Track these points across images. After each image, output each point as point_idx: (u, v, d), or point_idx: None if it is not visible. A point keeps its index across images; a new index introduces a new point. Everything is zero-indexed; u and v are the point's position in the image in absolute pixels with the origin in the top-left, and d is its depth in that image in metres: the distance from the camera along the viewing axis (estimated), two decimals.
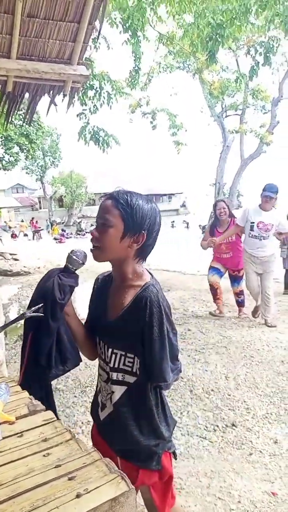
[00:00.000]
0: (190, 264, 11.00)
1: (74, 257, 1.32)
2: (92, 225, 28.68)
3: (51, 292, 1.24)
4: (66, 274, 1.30)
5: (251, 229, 5.12)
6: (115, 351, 1.28)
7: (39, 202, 50.45)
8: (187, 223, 31.40)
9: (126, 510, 0.68)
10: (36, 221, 29.43)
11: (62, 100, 3.94)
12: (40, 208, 49.50)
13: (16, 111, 3.69)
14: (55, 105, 3.74)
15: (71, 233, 29.11)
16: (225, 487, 2.48)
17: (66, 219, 39.96)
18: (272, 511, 2.26)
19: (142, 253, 1.31)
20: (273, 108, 16.02)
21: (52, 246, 21.68)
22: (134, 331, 1.23)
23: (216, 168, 17.30)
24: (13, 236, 28.35)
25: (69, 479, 0.71)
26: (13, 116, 3.82)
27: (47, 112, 4.06)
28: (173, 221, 33.37)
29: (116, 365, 1.28)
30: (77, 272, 1.35)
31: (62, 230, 29.59)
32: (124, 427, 1.23)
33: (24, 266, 11.77)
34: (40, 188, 42.14)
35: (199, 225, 29.74)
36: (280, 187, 5.19)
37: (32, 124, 17.95)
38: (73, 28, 3.29)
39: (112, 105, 7.31)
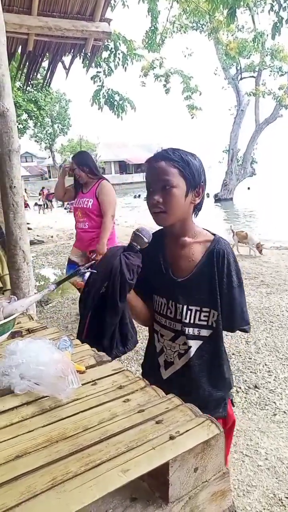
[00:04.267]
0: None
1: (142, 235, 1.25)
2: None
3: (120, 272, 1.18)
4: (132, 253, 1.24)
5: None
6: (190, 307, 1.29)
7: (49, 171, 50.00)
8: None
9: (215, 453, 0.69)
10: (48, 190, 29.19)
11: (83, 60, 3.82)
12: (50, 177, 49.14)
13: (36, 73, 3.58)
14: (64, 68, 3.62)
15: None
16: (251, 445, 2.55)
17: None
18: None
19: (199, 206, 1.31)
20: None
21: (62, 215, 21.63)
22: (210, 285, 1.26)
23: (229, 133, 16.87)
24: (25, 206, 28.29)
25: (157, 422, 0.72)
26: (32, 78, 3.72)
27: (67, 74, 3.94)
28: None
29: (192, 321, 1.29)
30: None
31: None
32: (197, 381, 1.27)
33: (37, 235, 11.80)
34: (49, 156, 41.66)
35: (207, 194, 29.23)
36: None
37: (40, 90, 17.52)
38: None
39: (127, 67, 7.07)
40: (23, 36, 3.19)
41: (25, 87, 3.82)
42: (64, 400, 0.84)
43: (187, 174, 1.21)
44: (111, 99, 7.08)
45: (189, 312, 1.29)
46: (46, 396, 0.85)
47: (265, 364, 3.53)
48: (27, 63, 3.50)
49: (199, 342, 1.30)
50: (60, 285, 1.25)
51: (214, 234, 1.33)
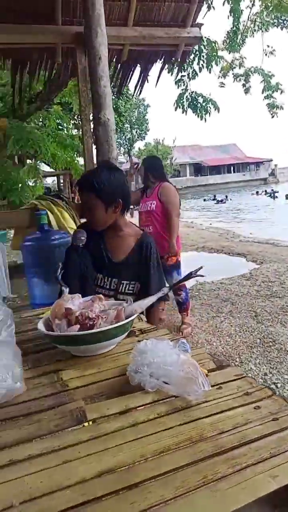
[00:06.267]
0: (282, 235, 10.42)
1: (77, 236, 1.67)
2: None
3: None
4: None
5: None
6: (122, 282, 1.75)
7: (126, 174, 51.35)
8: (273, 193, 28.83)
9: None
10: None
11: (174, 65, 3.87)
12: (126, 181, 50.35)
13: (129, 81, 3.71)
14: (145, 75, 3.68)
15: None
16: None
17: None
18: None
19: (123, 210, 1.75)
20: None
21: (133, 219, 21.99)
22: (139, 265, 1.75)
23: None
24: None
25: None
26: (125, 87, 3.86)
27: (157, 81, 4.03)
28: (257, 191, 31.71)
29: (123, 291, 1.75)
30: None
31: None
32: None
33: None
34: (127, 161, 42.79)
35: (274, 193, 27.42)
36: None
37: (121, 97, 18.07)
38: None
39: (211, 69, 7.03)
40: (119, 46, 3.33)
41: (118, 96, 3.98)
42: (194, 401, 0.86)
43: (102, 196, 1.66)
44: (195, 102, 7.09)
45: (121, 284, 1.75)
46: (175, 396, 0.89)
47: None
48: (121, 72, 3.64)
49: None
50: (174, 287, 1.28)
51: (142, 230, 1.91)
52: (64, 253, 1.76)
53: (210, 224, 14.51)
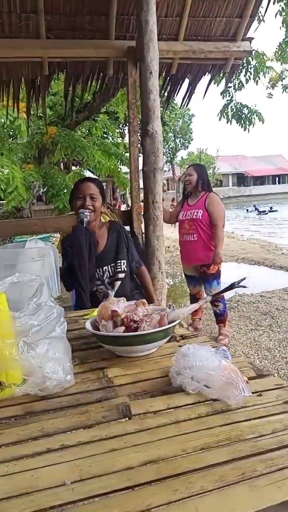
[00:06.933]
0: None
1: (82, 213, 2.05)
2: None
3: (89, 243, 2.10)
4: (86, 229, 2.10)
5: None
6: (105, 267, 2.10)
7: (168, 183, 51.59)
8: None
9: None
10: (173, 199, 29.63)
11: (222, 77, 3.91)
12: (168, 189, 50.65)
13: (176, 94, 3.79)
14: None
15: None
16: None
17: None
18: None
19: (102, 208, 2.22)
20: None
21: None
22: (118, 247, 2.13)
23: None
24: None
25: None
26: (172, 100, 3.94)
27: (204, 94, 4.09)
28: None
29: (112, 273, 2.11)
30: None
31: None
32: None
33: None
34: (169, 170, 42.98)
35: None
36: None
37: (166, 107, 18.31)
38: (241, 2, 3.22)
39: (258, 80, 7.00)
40: (169, 60, 3.43)
41: (165, 108, 4.08)
42: (233, 406, 0.90)
43: (102, 192, 2.15)
44: (239, 113, 7.08)
45: (106, 270, 2.12)
46: (215, 399, 0.93)
47: None
48: (169, 85, 3.73)
49: (119, 282, 2.09)
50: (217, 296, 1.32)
51: (111, 221, 2.40)
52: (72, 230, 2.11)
53: (252, 235, 14.29)
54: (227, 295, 4.92)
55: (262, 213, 26.05)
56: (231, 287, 1.29)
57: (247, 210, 29.46)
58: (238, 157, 54.09)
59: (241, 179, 51.94)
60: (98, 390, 1.05)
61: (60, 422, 0.89)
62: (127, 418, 0.89)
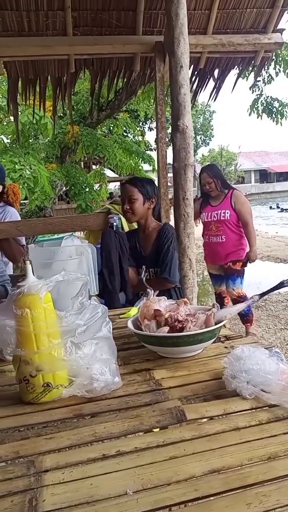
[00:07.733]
0: None
1: (112, 218, 2.26)
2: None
3: (121, 249, 2.27)
4: (120, 233, 2.33)
5: None
6: (150, 269, 2.18)
7: None
8: None
9: None
10: (196, 196, 29.50)
11: (250, 72, 3.82)
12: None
13: (204, 89, 3.72)
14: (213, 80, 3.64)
15: None
16: None
17: None
18: None
19: (155, 210, 2.33)
20: None
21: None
22: (158, 254, 2.21)
23: None
24: None
25: None
26: (199, 95, 3.88)
27: (233, 87, 4.01)
28: None
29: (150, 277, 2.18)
30: None
31: None
32: None
33: None
34: None
35: None
36: None
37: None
38: None
39: None
40: (197, 54, 3.36)
41: (193, 103, 4.02)
42: None
43: (142, 191, 2.21)
44: (270, 106, 6.96)
45: (149, 271, 2.18)
46: (275, 405, 0.88)
47: None
48: (197, 80, 3.66)
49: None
50: (264, 296, 1.27)
51: (164, 224, 2.41)
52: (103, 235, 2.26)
53: (276, 232, 14.03)
54: (249, 294, 4.84)
55: (284, 211, 25.54)
56: (279, 286, 1.23)
57: (270, 207, 28.95)
58: (260, 153, 53.32)
59: (264, 176, 51.15)
60: (146, 392, 1.01)
61: (112, 426, 0.86)
62: (182, 423, 0.85)
